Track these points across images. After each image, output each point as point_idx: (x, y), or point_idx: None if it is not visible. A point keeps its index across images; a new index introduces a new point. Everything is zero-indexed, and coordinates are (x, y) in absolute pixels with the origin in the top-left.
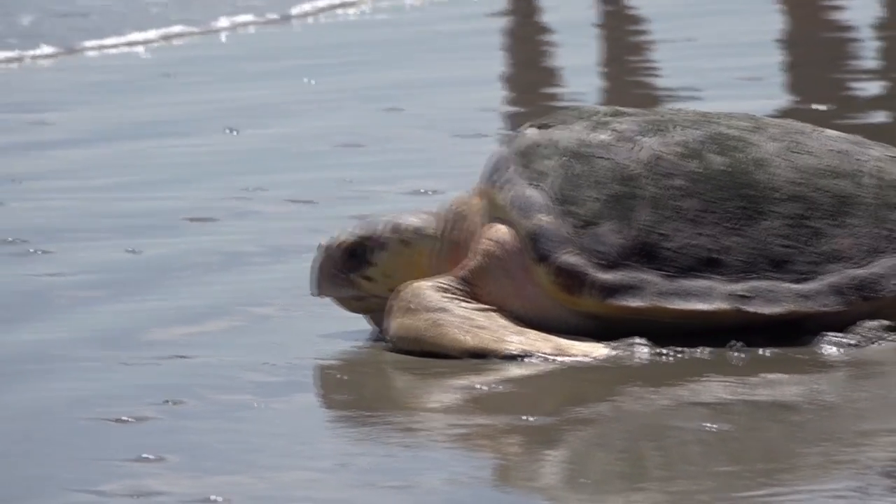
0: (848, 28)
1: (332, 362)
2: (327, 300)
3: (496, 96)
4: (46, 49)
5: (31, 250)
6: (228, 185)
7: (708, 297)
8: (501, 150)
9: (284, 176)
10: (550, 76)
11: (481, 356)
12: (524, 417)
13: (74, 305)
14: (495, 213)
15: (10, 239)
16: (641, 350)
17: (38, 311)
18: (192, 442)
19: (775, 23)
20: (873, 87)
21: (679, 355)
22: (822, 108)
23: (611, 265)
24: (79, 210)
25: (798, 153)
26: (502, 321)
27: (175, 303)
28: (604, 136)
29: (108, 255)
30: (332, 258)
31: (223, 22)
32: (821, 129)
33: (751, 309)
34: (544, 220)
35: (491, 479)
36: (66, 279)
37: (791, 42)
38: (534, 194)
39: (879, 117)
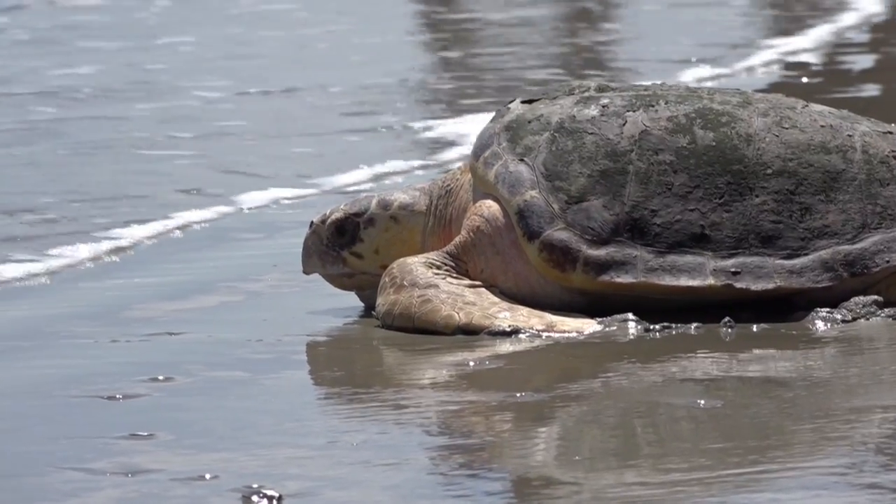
0: None
1: (323, 339)
2: (316, 278)
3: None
4: None
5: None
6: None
7: (697, 273)
8: (489, 125)
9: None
10: None
11: (471, 332)
12: (515, 394)
13: (66, 281)
14: (484, 189)
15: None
16: (632, 326)
17: (30, 287)
18: (182, 419)
19: None
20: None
21: (669, 331)
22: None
23: (600, 241)
24: None
25: (786, 128)
26: (492, 297)
27: (164, 279)
28: (591, 111)
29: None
30: (322, 235)
31: None
32: (809, 103)
33: (740, 285)
34: (532, 195)
35: (484, 457)
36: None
37: None
38: (522, 170)
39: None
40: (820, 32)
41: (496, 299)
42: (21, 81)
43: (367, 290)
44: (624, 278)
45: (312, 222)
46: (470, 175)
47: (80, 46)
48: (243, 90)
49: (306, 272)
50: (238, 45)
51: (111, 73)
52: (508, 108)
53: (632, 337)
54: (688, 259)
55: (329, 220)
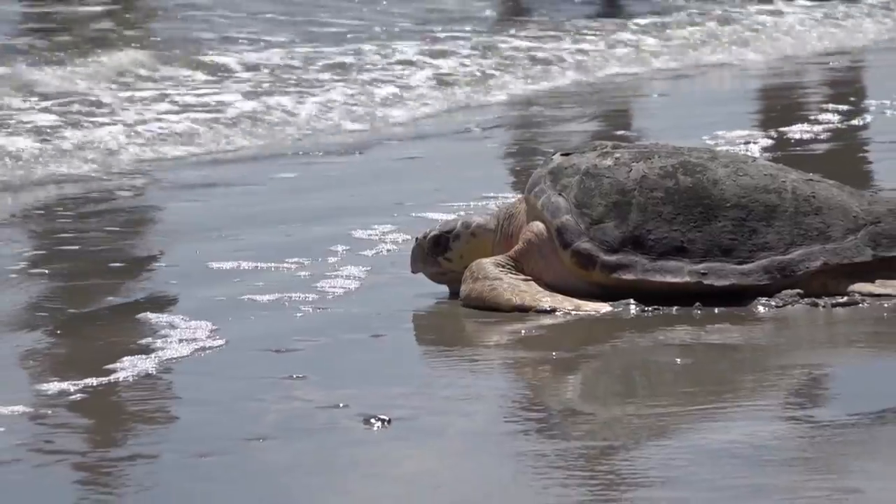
0: None
1: (422, 314)
2: (420, 275)
3: None
4: None
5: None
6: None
7: (678, 273)
8: (539, 170)
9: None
10: None
11: (524, 310)
12: (552, 353)
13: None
14: (534, 214)
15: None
16: (632, 308)
17: (220, 277)
18: (325, 366)
19: None
20: None
21: (658, 312)
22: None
23: (612, 250)
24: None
25: (741, 175)
26: (538, 287)
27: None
28: (608, 162)
29: (266, 238)
30: (424, 246)
31: None
32: (757, 158)
33: (707, 282)
34: (567, 218)
35: (530, 395)
36: (241, 253)
37: None
38: (560, 201)
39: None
40: None
41: (541, 289)
42: None
43: (454, 283)
44: (628, 276)
45: (417, 238)
46: (525, 204)
47: None
48: None
49: (413, 272)
50: None
51: None
52: (552, 159)
53: (632, 315)
54: (672, 264)
55: (429, 237)
